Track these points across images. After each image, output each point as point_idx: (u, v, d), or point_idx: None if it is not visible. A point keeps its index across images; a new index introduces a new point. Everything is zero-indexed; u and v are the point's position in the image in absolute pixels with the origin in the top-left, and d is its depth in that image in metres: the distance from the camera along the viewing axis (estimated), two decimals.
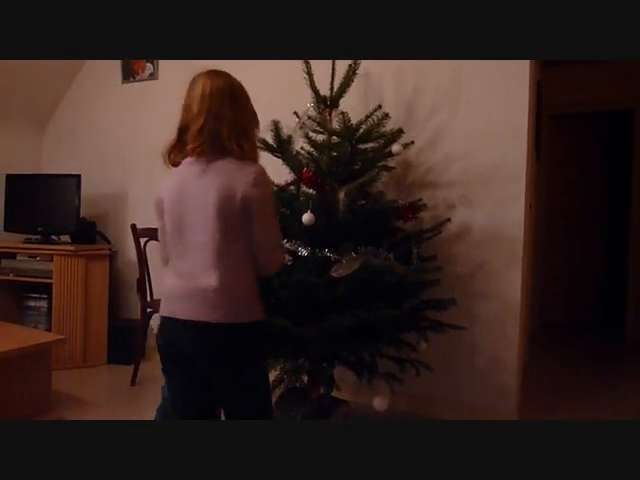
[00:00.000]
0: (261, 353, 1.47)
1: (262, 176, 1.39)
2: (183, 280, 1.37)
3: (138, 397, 2.88)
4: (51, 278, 3.24)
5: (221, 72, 1.44)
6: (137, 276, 3.06)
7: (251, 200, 1.35)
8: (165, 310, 1.41)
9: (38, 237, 3.49)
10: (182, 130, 1.42)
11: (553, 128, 4.60)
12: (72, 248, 3.25)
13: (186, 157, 1.43)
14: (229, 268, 1.35)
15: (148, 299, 3.08)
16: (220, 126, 1.37)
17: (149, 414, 2.53)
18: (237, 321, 1.35)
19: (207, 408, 1.45)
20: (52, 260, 3.25)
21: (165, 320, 1.41)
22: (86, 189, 3.51)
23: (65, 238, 3.58)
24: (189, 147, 1.38)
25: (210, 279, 1.33)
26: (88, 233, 3.52)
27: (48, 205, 3.49)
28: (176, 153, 1.44)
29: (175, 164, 1.46)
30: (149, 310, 2.98)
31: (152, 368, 3.31)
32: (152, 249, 3.19)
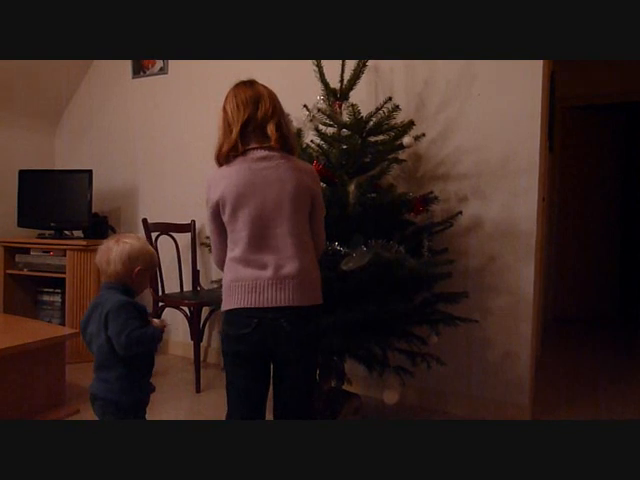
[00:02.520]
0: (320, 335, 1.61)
1: (316, 171, 1.61)
2: (265, 271, 1.44)
3: None
4: (64, 273, 3.27)
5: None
6: None
7: (315, 194, 1.53)
8: (244, 301, 1.44)
9: (51, 232, 3.53)
10: (247, 122, 1.47)
11: (566, 119, 4.54)
12: (85, 243, 3.28)
13: (242, 153, 1.48)
14: (306, 255, 1.49)
15: (160, 293, 3.10)
16: (285, 122, 1.52)
17: (162, 406, 2.56)
18: (316, 302, 1.50)
19: (265, 398, 1.54)
20: (65, 255, 3.28)
21: (243, 310, 1.45)
22: (98, 184, 3.53)
23: (78, 233, 3.61)
24: (274, 139, 1.47)
25: (294, 266, 1.44)
26: (100, 228, 3.55)
27: (61, 200, 3.52)
28: (240, 148, 1.48)
29: (228, 163, 1.50)
30: (161, 304, 3.00)
31: (164, 361, 3.34)
32: (163, 243, 3.22)
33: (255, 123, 1.47)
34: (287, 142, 1.50)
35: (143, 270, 1.54)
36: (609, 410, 2.60)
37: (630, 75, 4.20)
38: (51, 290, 3.49)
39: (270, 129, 1.47)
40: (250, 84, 1.53)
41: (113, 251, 1.52)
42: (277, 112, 1.49)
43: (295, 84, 2.71)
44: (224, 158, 1.50)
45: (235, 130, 1.47)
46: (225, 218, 1.49)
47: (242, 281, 1.46)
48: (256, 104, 1.47)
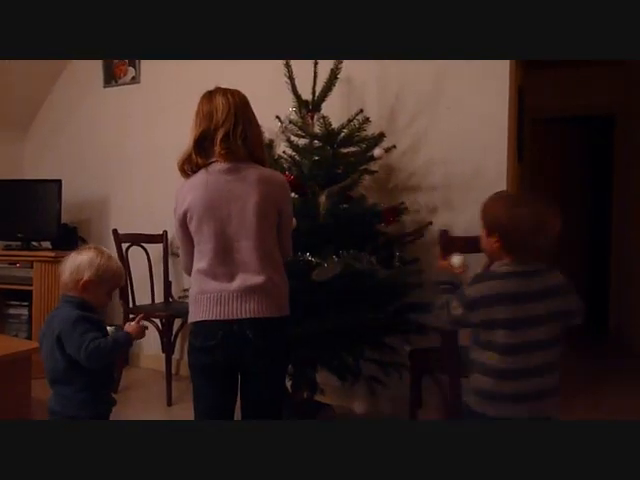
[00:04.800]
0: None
1: (287, 183, 1.60)
2: (230, 283, 1.44)
3: (120, 404, 2.82)
4: (31, 285, 3.19)
5: (233, 89, 1.55)
6: None
7: (281, 206, 1.52)
8: (210, 314, 1.44)
9: (18, 243, 3.44)
10: (203, 137, 1.47)
11: (536, 132, 4.66)
12: (53, 254, 3.21)
13: (204, 165, 1.47)
14: (273, 268, 1.48)
15: (130, 305, 3.05)
16: (247, 131, 1.48)
17: (132, 420, 2.50)
18: (283, 314, 1.50)
19: (233, 411, 1.53)
20: (32, 267, 3.20)
21: (209, 323, 1.44)
22: (68, 194, 3.46)
23: (46, 244, 3.53)
24: (219, 150, 1.45)
25: (260, 279, 1.44)
26: (70, 239, 3.48)
27: (28, 211, 3.44)
28: (196, 161, 1.48)
29: (192, 172, 1.50)
30: (131, 316, 2.94)
31: (136, 374, 3.27)
32: (134, 255, 3.17)
33: (210, 137, 1.47)
34: (237, 153, 1.46)
35: (91, 282, 1.47)
36: (579, 414, 2.65)
37: (599, 90, 4.35)
38: (17, 303, 3.39)
39: (216, 140, 1.45)
40: (210, 96, 1.51)
41: (68, 261, 1.50)
42: (229, 120, 1.45)
43: (267, 95, 2.72)
44: (180, 169, 1.52)
45: (190, 144, 1.48)
46: (192, 229, 1.49)
47: (208, 293, 1.46)
48: (210, 118, 1.47)
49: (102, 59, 3.58)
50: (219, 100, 1.48)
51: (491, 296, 1.32)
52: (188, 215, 1.47)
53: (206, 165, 1.48)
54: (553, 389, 1.39)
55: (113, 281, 1.54)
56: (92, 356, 1.39)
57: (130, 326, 1.52)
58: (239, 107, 1.49)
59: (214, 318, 1.43)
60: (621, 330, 4.32)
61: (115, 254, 3.00)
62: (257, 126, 1.55)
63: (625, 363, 3.72)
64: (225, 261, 1.45)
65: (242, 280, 1.44)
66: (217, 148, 1.45)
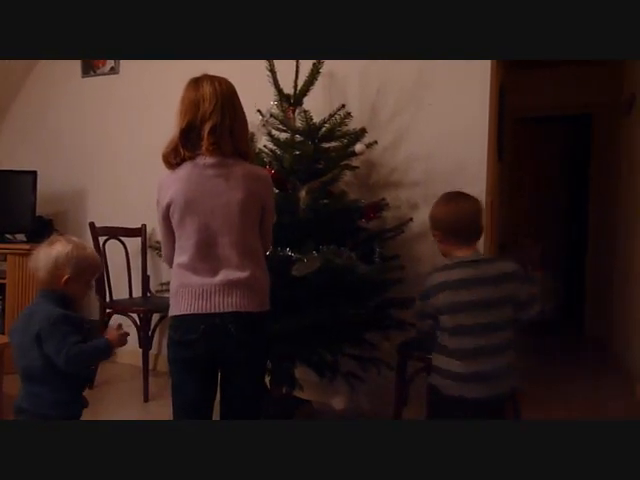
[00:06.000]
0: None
1: (271, 178, 1.61)
2: (213, 278, 1.42)
3: (96, 400, 2.78)
4: (4, 278, 3.12)
5: (221, 77, 1.51)
6: None
7: (265, 202, 1.52)
8: (192, 307, 1.42)
9: None
10: (189, 128, 1.43)
11: (516, 130, 4.71)
12: (27, 247, 3.14)
13: (190, 157, 1.43)
14: (254, 263, 1.47)
15: (107, 299, 3.00)
16: (234, 124, 1.45)
17: (108, 416, 2.47)
18: (264, 308, 1.50)
19: (212, 406, 1.52)
20: (5, 260, 3.13)
21: (190, 316, 1.42)
22: (44, 186, 3.39)
23: (20, 237, 3.45)
24: (206, 145, 1.41)
25: (242, 274, 1.43)
26: (45, 231, 3.38)
27: (2, 202, 3.36)
28: (182, 153, 1.44)
29: (177, 165, 1.46)
30: (108, 311, 2.90)
31: (112, 369, 3.22)
32: (111, 248, 3.12)
33: (196, 129, 1.43)
34: (223, 147, 1.44)
35: (72, 279, 1.43)
36: (554, 409, 2.70)
37: (577, 89, 4.41)
38: None
39: (203, 133, 1.41)
40: (196, 84, 1.47)
41: (41, 256, 1.44)
42: (216, 112, 1.42)
43: (248, 88, 2.67)
44: (165, 160, 1.48)
45: (175, 135, 1.45)
46: (174, 223, 1.47)
47: (190, 287, 1.44)
48: (197, 108, 1.43)
49: (84, 59, 3.50)
50: (206, 89, 1.44)
51: (436, 285, 1.51)
52: (171, 208, 1.44)
53: (192, 158, 1.44)
54: (509, 368, 1.50)
55: (91, 271, 1.50)
56: (70, 361, 1.34)
57: (111, 333, 1.45)
58: (226, 98, 1.45)
59: (196, 311, 1.42)
60: (597, 327, 4.40)
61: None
62: (243, 118, 1.51)
63: (601, 361, 3.78)
64: (208, 257, 1.43)
65: (225, 275, 1.43)
66: (204, 142, 1.41)
